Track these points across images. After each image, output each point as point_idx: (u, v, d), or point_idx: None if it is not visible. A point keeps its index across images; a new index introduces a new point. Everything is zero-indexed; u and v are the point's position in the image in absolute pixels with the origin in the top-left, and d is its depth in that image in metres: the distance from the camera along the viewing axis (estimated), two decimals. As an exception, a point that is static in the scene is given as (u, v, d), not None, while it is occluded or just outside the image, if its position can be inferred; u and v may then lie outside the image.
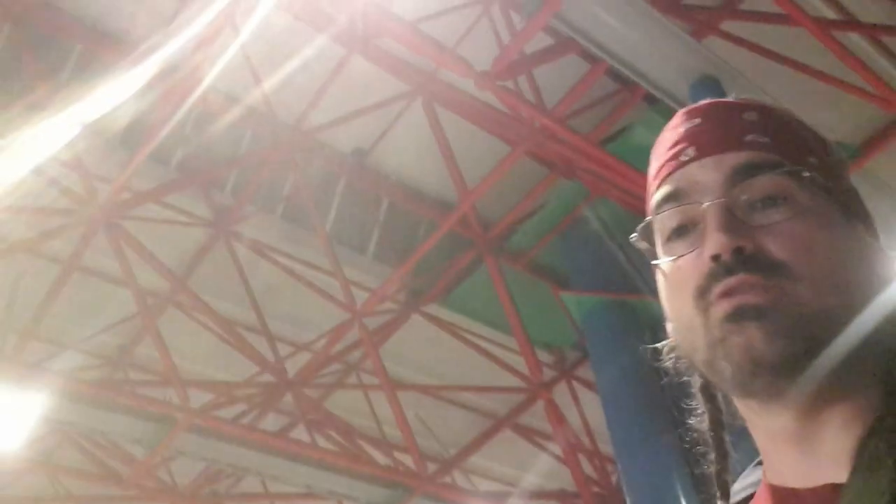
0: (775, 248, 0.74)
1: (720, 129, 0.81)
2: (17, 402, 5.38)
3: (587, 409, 8.47)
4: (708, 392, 0.87)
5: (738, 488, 0.87)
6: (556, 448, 8.58)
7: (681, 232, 0.80)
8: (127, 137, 6.32)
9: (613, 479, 8.27)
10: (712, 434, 0.87)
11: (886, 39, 5.42)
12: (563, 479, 9.02)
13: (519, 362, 8.13)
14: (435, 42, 4.37)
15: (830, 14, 5.13)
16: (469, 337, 8.07)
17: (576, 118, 5.94)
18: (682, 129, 0.84)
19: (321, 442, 7.36)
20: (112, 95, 5.41)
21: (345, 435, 7.48)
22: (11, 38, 5.85)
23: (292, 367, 7.11)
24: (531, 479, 8.83)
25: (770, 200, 0.76)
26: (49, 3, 5.74)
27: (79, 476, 6.54)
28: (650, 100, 6.26)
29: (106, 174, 5.67)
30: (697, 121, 0.83)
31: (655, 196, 0.83)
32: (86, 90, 5.53)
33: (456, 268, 7.39)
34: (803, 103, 5.05)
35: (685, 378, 0.87)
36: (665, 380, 0.89)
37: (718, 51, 4.90)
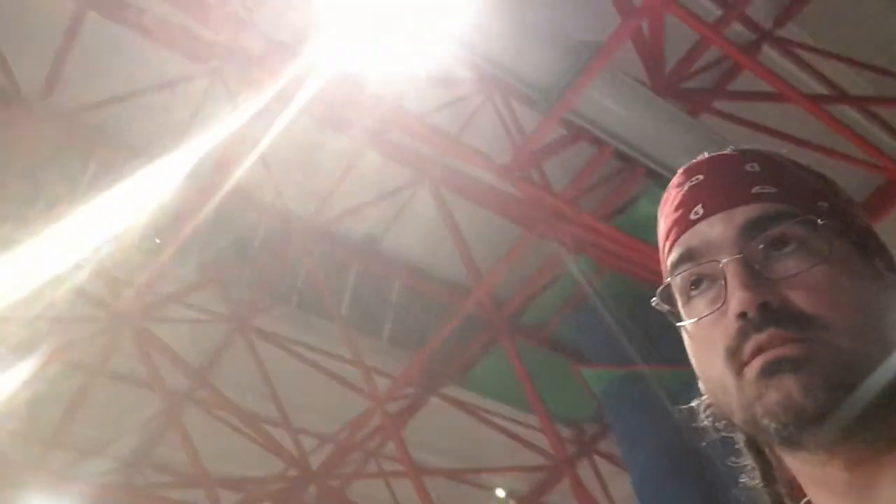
0: (800, 300, 0.73)
1: (725, 183, 0.81)
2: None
3: (609, 482, 8.41)
4: (755, 447, 0.84)
5: None
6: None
7: (699, 287, 0.79)
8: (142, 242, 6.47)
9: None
10: (766, 489, 0.84)
11: (876, 108, 5.67)
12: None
13: (539, 438, 8.12)
14: (453, 138, 4.56)
15: (820, 89, 5.38)
16: (487, 416, 8.05)
17: (582, 197, 6.12)
18: (686, 187, 0.83)
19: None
20: (134, 202, 5.56)
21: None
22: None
23: (314, 455, 7.07)
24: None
25: (787, 251, 0.75)
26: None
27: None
28: (651, 174, 6.48)
29: (125, 277, 5.77)
30: (700, 177, 0.83)
31: (670, 258, 0.82)
32: (107, 198, 5.70)
33: (472, 349, 7.44)
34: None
35: (726, 434, 0.84)
36: (703, 440, 0.88)
37: (715, 128, 5.12)
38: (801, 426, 0.69)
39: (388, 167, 6.47)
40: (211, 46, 3.92)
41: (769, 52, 5.56)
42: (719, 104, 5.34)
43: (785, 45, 5.35)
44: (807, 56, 5.46)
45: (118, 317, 5.40)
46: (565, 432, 8.49)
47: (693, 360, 0.81)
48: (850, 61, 5.33)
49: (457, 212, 6.58)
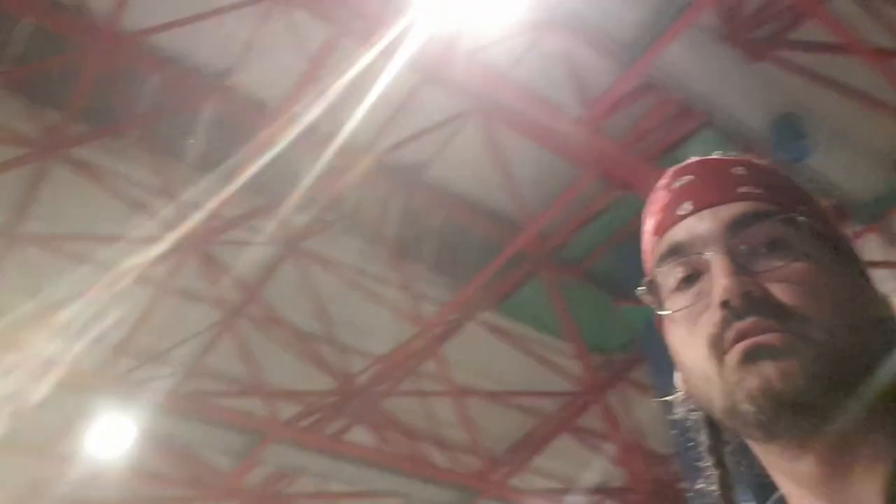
0: (782, 292, 0.76)
1: (713, 182, 0.84)
2: (119, 416, 5.77)
3: (636, 409, 8.79)
4: (717, 452, 0.87)
5: None
6: (605, 446, 8.92)
7: (686, 283, 0.81)
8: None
9: (663, 475, 8.61)
10: (721, 495, 0.87)
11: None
12: (610, 476, 9.37)
13: (568, 365, 8.47)
14: (527, 87, 4.64)
15: (885, 41, 5.34)
16: (521, 341, 8.38)
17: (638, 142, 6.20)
18: (675, 186, 0.87)
19: (385, 445, 7.71)
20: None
21: (409, 438, 7.83)
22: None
23: (360, 374, 7.46)
24: (583, 477, 9.16)
25: (770, 247, 0.79)
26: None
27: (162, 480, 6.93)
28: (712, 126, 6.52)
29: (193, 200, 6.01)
30: (689, 177, 0.86)
31: (657, 251, 0.85)
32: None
33: (512, 279, 7.68)
34: (860, 129, 5.27)
35: (692, 437, 0.88)
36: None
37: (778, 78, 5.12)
38: (779, 412, 0.72)
39: (439, 99, 6.57)
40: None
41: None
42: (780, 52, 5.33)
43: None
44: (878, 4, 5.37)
45: (186, 238, 5.67)
46: (595, 361, 8.83)
47: (674, 351, 0.84)
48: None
49: (507, 148, 6.71)
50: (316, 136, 6.34)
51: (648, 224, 0.89)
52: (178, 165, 6.65)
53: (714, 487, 0.87)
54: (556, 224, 7.49)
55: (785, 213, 0.80)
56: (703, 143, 6.88)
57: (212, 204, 5.72)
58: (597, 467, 8.50)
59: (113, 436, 5.77)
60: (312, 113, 4.76)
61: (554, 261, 7.53)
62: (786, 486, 0.80)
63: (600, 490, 8.64)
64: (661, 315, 0.84)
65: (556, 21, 4.23)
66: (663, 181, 0.89)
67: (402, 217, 7.40)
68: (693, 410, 0.86)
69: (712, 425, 0.87)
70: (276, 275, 7.08)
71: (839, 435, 0.74)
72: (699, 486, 0.89)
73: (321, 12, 4.85)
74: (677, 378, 0.86)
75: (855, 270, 0.83)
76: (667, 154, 6.88)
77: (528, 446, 8.73)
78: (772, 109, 4.55)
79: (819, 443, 0.74)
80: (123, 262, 6.17)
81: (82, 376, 5.90)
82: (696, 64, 4.30)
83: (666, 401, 0.88)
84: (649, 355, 7.30)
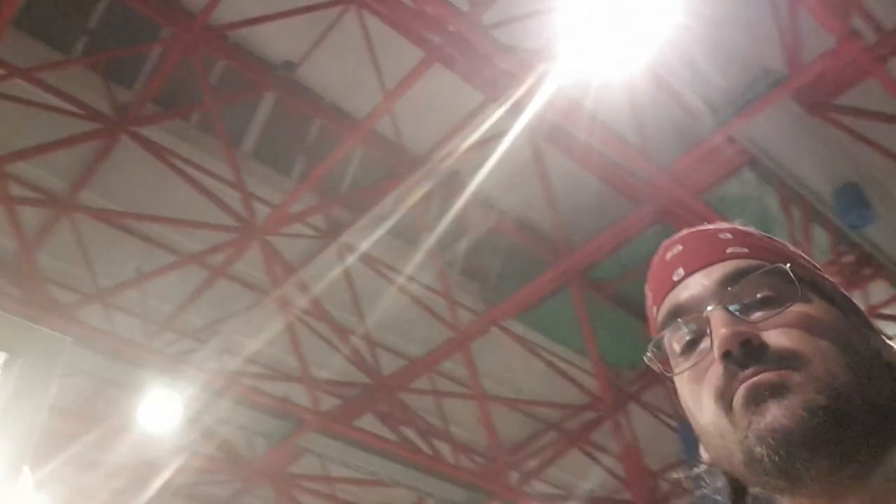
0: (779, 337, 0.78)
1: (702, 247, 0.89)
2: (170, 395, 5.97)
3: (637, 425, 9.14)
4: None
5: None
6: (606, 458, 9.27)
7: (690, 346, 0.84)
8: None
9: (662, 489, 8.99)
10: None
11: None
12: (609, 487, 9.74)
13: (580, 377, 8.80)
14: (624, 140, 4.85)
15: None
16: (540, 352, 8.68)
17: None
18: (668, 257, 0.91)
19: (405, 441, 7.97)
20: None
21: (424, 436, 8.09)
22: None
23: (388, 369, 7.72)
24: (582, 485, 9.51)
25: (762, 300, 0.82)
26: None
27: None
28: (749, 161, 6.81)
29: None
30: (679, 247, 0.91)
31: (658, 318, 0.89)
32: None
33: (540, 292, 7.94)
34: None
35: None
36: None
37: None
38: (791, 450, 0.73)
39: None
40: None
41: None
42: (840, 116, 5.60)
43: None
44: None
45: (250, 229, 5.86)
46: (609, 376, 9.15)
47: (689, 415, 0.85)
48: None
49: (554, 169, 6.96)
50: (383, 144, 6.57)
51: (648, 297, 0.93)
52: (241, 154, 6.84)
53: None
54: (582, 237, 7.74)
55: (773, 266, 0.84)
56: (743, 184, 7.21)
57: (280, 197, 5.90)
58: (599, 478, 8.84)
59: (161, 410, 5.97)
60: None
61: (585, 279, 7.80)
62: None
63: (602, 500, 8.97)
64: (669, 378, 0.86)
65: (658, 76, 4.47)
66: (657, 256, 0.94)
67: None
68: (719, 476, 0.85)
69: (737, 490, 0.85)
70: (324, 268, 7.29)
71: (875, 485, 0.73)
72: None
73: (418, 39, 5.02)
74: (701, 450, 0.86)
75: (851, 315, 0.84)
76: (708, 190, 7.19)
77: (540, 454, 9.04)
78: (837, 175, 4.83)
79: (853, 496, 0.74)
80: (183, 243, 6.36)
81: (134, 349, 6.09)
82: (774, 127, 4.56)
83: (697, 475, 0.87)
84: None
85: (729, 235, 0.90)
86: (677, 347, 0.85)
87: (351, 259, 6.25)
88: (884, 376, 0.78)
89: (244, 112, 7.19)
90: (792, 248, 0.91)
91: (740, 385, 0.76)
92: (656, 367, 0.88)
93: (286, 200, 5.96)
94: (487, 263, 8.36)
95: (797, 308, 0.81)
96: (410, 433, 8.11)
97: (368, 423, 8.46)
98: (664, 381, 0.87)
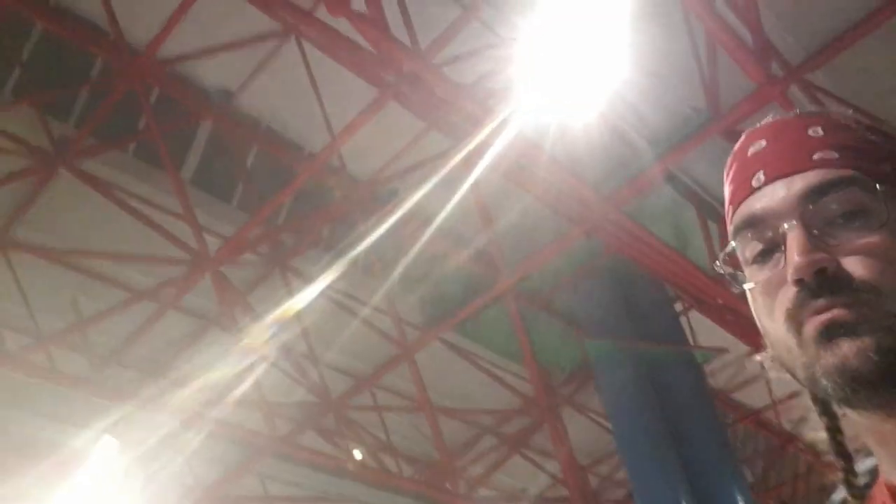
0: (857, 266, 0.74)
1: (787, 149, 0.82)
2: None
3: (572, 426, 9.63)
4: (820, 400, 0.86)
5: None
6: (541, 458, 9.73)
7: (763, 256, 0.81)
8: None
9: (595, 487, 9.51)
10: (833, 440, 0.87)
11: None
12: (541, 485, 10.21)
13: (515, 383, 9.21)
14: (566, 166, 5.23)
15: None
16: (475, 359, 9.02)
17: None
18: (749, 153, 0.85)
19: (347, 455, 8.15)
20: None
21: (371, 450, 8.29)
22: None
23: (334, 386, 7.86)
24: (515, 484, 9.93)
25: (846, 217, 0.77)
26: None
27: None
28: (669, 178, 7.35)
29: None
30: (763, 143, 0.84)
31: (733, 222, 0.85)
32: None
33: (478, 305, 8.27)
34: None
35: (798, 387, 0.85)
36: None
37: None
38: (857, 388, 0.73)
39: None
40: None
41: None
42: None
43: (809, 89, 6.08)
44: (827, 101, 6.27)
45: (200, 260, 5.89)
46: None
47: (757, 321, 0.84)
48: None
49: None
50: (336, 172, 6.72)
51: (726, 191, 0.88)
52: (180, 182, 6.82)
53: (822, 435, 0.87)
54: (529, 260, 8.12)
55: (863, 179, 0.77)
56: (660, 198, 7.74)
57: (222, 225, 5.97)
58: (541, 481, 9.27)
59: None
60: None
61: (519, 292, 8.19)
62: (873, 444, 0.81)
63: (542, 501, 9.41)
64: (741, 288, 0.84)
65: (605, 112, 4.86)
66: (739, 145, 0.87)
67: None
68: (783, 370, 0.84)
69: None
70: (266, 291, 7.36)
71: None
72: (807, 433, 0.90)
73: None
74: (767, 341, 0.85)
75: None
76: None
77: (485, 460, 9.38)
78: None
79: None
80: (127, 274, 6.32)
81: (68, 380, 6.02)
82: (702, 158, 5.03)
83: (758, 360, 0.88)
84: (602, 383, 8.09)
85: (820, 132, 0.82)
86: (749, 255, 0.83)
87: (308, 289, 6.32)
88: None
89: (182, 140, 7.18)
90: (893, 142, 0.83)
91: (811, 317, 0.75)
92: (725, 272, 0.85)
93: (241, 232, 6.02)
94: (422, 278, 8.61)
95: (882, 234, 0.76)
96: (357, 448, 8.29)
97: (311, 440, 8.61)
98: (733, 285, 0.84)
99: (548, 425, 8.48)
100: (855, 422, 0.81)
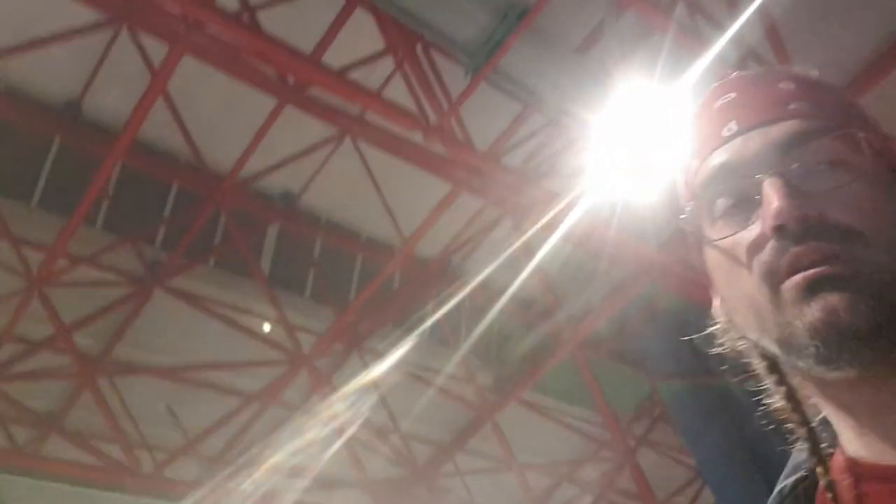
0: (841, 214, 0.71)
1: (760, 99, 0.79)
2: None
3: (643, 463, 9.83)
4: (777, 370, 0.82)
5: (789, 468, 0.87)
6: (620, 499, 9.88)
7: (733, 210, 0.77)
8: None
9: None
10: (792, 407, 0.83)
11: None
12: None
13: (589, 429, 9.45)
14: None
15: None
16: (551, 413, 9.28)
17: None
18: (718, 105, 0.81)
19: None
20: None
21: None
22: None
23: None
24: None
25: (826, 167, 0.73)
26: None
27: None
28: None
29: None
30: (733, 95, 0.81)
31: (701, 174, 0.79)
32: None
33: (548, 365, 8.53)
34: None
35: (744, 362, 0.83)
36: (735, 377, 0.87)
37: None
38: (843, 344, 0.69)
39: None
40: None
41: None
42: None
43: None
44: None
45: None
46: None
47: (717, 280, 0.80)
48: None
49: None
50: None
51: (687, 148, 0.83)
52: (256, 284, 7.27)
53: (780, 405, 0.83)
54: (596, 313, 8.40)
55: (841, 129, 0.75)
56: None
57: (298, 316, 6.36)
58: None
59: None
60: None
61: (585, 343, 8.49)
62: (832, 413, 0.78)
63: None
64: (705, 243, 0.79)
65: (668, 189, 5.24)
66: (705, 99, 0.83)
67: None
68: (737, 341, 0.81)
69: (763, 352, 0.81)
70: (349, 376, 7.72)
71: None
72: (763, 403, 0.85)
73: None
74: (716, 308, 0.83)
75: None
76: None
77: None
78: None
79: (880, 369, 0.70)
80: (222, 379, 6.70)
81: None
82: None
83: (709, 332, 0.84)
84: (675, 420, 8.34)
85: (791, 85, 0.80)
86: (718, 210, 0.78)
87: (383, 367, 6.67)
88: None
89: (253, 243, 7.66)
90: (858, 105, 0.82)
91: (791, 265, 0.71)
92: (690, 228, 0.80)
93: (333, 327, 6.43)
94: (489, 340, 8.94)
95: (866, 183, 0.73)
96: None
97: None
98: (691, 240, 0.81)
99: (628, 466, 8.71)
100: (812, 390, 0.79)
